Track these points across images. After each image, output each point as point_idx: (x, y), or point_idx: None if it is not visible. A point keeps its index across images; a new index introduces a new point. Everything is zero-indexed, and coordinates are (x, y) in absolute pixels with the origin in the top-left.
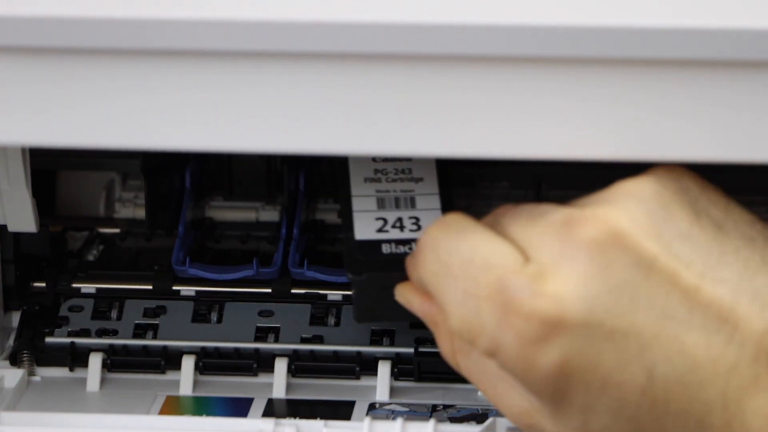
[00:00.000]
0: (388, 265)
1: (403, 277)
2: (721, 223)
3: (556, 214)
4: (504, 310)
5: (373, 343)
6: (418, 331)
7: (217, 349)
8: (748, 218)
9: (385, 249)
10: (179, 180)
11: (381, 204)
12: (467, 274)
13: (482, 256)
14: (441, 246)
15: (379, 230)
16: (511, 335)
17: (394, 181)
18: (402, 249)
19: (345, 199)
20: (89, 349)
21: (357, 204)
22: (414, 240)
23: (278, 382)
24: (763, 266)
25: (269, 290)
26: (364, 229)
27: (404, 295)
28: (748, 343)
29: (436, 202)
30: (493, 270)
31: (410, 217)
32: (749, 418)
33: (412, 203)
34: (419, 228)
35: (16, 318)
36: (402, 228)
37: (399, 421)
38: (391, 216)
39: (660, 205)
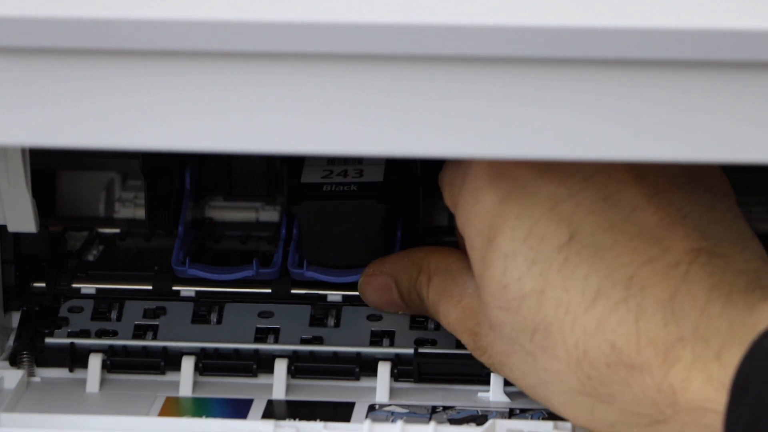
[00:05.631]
0: (326, 196)
1: (339, 206)
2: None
3: None
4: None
5: (372, 344)
6: (418, 332)
7: (216, 350)
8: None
9: (326, 188)
10: (179, 180)
11: (330, 161)
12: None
13: None
14: None
15: (324, 177)
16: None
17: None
18: (341, 188)
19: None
20: (89, 350)
21: (307, 170)
22: (354, 183)
23: (278, 383)
24: None
25: (269, 291)
26: (310, 176)
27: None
28: None
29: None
30: None
31: (355, 169)
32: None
33: (359, 161)
34: (362, 175)
35: (16, 318)
36: (345, 175)
37: (399, 422)
38: (338, 168)
39: None
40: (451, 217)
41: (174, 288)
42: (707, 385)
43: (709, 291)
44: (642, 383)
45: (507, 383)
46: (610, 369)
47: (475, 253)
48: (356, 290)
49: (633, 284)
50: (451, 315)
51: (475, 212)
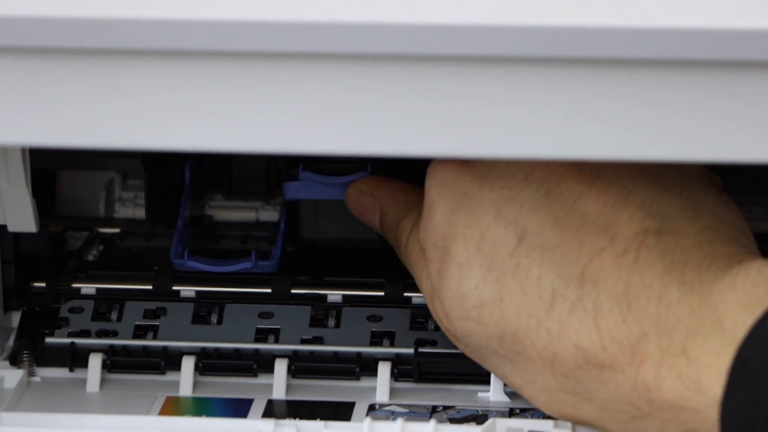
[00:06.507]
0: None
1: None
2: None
3: None
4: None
5: (373, 344)
6: (419, 332)
7: (217, 349)
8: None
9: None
10: (179, 175)
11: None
12: None
13: None
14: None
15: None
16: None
17: None
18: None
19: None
20: (89, 350)
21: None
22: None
23: (278, 383)
24: None
25: (269, 290)
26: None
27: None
28: None
29: None
30: None
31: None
32: None
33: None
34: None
35: (16, 318)
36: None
37: (399, 422)
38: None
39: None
40: None
41: (174, 288)
42: (678, 383)
43: (662, 276)
44: (615, 381)
45: None
46: (581, 369)
47: (433, 266)
48: (356, 290)
49: (586, 281)
50: (424, 287)
51: (429, 227)
